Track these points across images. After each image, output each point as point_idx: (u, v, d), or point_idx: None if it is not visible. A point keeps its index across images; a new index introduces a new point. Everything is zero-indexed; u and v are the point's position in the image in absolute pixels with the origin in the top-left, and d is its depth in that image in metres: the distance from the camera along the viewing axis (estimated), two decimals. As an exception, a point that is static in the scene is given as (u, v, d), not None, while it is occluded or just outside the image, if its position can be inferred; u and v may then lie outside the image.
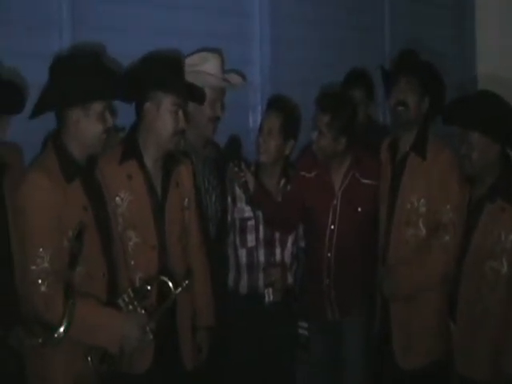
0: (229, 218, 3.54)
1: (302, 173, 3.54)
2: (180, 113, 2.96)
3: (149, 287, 2.66)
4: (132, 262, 2.89)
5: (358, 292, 3.53)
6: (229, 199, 3.53)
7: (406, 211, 3.30)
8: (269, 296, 3.45)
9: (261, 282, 3.48)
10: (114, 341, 2.60)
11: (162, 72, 2.93)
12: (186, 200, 3.10)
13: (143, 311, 2.65)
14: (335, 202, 3.46)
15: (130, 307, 2.63)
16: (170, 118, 2.93)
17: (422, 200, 3.27)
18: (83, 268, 2.60)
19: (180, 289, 2.66)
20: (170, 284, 2.67)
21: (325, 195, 3.48)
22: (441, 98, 3.35)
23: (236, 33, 3.90)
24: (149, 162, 2.97)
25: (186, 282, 2.68)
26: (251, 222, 3.51)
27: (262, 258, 3.51)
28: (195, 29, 3.68)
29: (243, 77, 3.60)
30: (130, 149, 2.96)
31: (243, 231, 3.52)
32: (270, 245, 3.52)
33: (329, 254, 3.47)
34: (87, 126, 2.66)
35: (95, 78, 2.62)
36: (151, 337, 2.63)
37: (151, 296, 2.76)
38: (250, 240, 3.51)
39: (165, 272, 2.87)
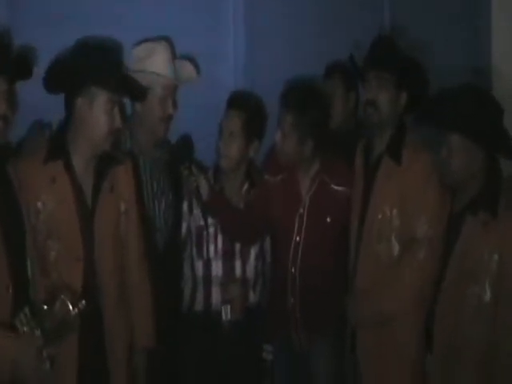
0: (184, 226, 3.20)
1: (267, 176, 3.18)
2: (115, 110, 2.68)
3: (45, 306, 2.31)
4: (54, 276, 2.60)
5: (328, 313, 3.14)
6: (184, 206, 3.19)
7: (378, 222, 2.89)
8: (226, 314, 3.15)
9: (218, 298, 3.15)
10: (2, 366, 2.29)
11: (97, 65, 2.63)
12: (123, 206, 2.79)
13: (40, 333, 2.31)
14: (302, 210, 3.09)
15: (25, 329, 2.30)
16: (104, 115, 2.66)
17: (395, 210, 2.86)
18: None
19: (76, 310, 2.31)
20: (69, 305, 2.32)
21: (290, 202, 3.11)
22: (421, 93, 2.91)
23: (207, 26, 3.60)
24: (78, 162, 2.69)
25: (83, 302, 2.33)
26: (208, 231, 3.16)
27: (219, 271, 3.16)
28: (162, 23, 3.41)
29: (197, 67, 3.26)
30: (57, 147, 2.68)
31: (200, 241, 3.17)
32: (229, 257, 3.16)
33: (293, 270, 3.10)
34: None
35: None
36: (48, 365, 2.30)
37: (54, 316, 2.40)
38: (207, 251, 3.16)
39: (90, 287, 2.60)
